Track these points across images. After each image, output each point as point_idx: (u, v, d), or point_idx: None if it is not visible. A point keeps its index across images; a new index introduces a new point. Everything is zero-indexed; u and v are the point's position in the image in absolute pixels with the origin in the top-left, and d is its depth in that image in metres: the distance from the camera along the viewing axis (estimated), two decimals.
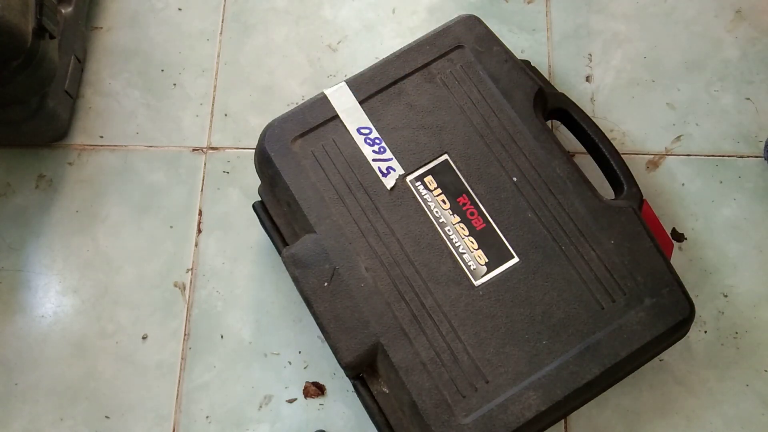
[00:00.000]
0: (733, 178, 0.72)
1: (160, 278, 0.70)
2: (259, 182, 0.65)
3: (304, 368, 0.67)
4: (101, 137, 0.75)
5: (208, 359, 0.67)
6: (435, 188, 0.60)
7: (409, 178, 0.61)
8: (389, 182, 0.60)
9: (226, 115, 0.76)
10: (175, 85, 0.77)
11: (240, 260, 0.70)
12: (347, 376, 0.59)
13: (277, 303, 0.69)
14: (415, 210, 0.60)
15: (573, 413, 0.63)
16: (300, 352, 0.67)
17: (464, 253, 0.58)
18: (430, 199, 0.60)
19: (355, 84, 0.64)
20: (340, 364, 0.56)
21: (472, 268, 0.58)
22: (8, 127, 0.69)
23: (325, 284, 0.57)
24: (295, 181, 0.60)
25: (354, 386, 0.59)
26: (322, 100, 0.63)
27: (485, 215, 0.59)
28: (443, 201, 0.60)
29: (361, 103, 0.63)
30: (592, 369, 0.54)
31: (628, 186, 0.63)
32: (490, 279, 0.58)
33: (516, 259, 0.58)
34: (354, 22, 0.79)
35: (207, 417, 0.65)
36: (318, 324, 0.57)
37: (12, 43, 0.59)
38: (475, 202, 0.60)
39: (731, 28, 0.78)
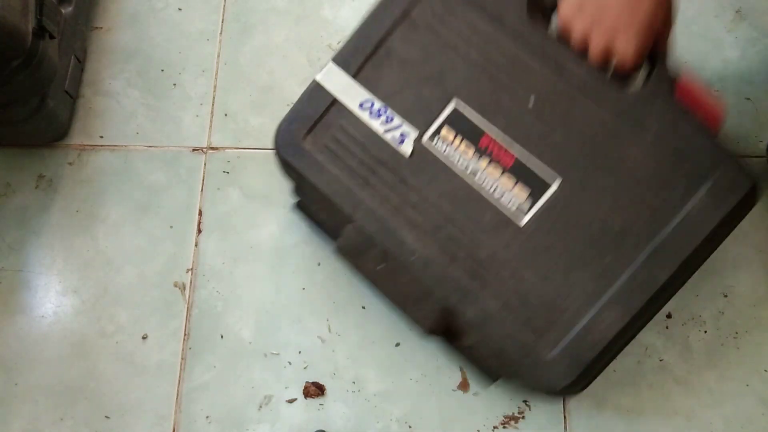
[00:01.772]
0: None
1: (160, 278, 0.70)
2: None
3: (304, 368, 0.67)
4: (101, 137, 0.75)
5: (208, 359, 0.67)
6: (454, 138, 0.58)
7: (424, 138, 0.58)
8: (407, 149, 0.58)
9: (226, 115, 0.76)
10: (175, 85, 0.77)
11: (240, 260, 0.70)
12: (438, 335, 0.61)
13: (277, 303, 0.69)
14: (440, 168, 0.58)
15: (573, 413, 0.63)
16: (300, 352, 0.67)
17: (502, 196, 0.56)
18: (452, 153, 0.58)
19: (342, 60, 0.61)
20: (423, 332, 0.58)
21: (513, 208, 0.56)
22: (8, 127, 0.69)
23: (381, 266, 0.58)
24: (318, 178, 0.60)
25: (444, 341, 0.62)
26: (317, 88, 0.61)
27: (512, 149, 0.57)
28: (465, 149, 0.58)
29: (354, 76, 0.60)
30: (665, 269, 0.53)
31: (656, 65, 0.56)
32: (536, 212, 0.56)
33: (556, 184, 0.55)
34: (354, 22, 0.79)
35: (207, 417, 0.65)
36: (390, 302, 0.59)
37: (12, 43, 0.59)
38: (499, 139, 0.57)
39: (731, 28, 0.78)
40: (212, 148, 0.74)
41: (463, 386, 0.66)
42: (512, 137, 0.57)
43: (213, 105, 0.76)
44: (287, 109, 0.64)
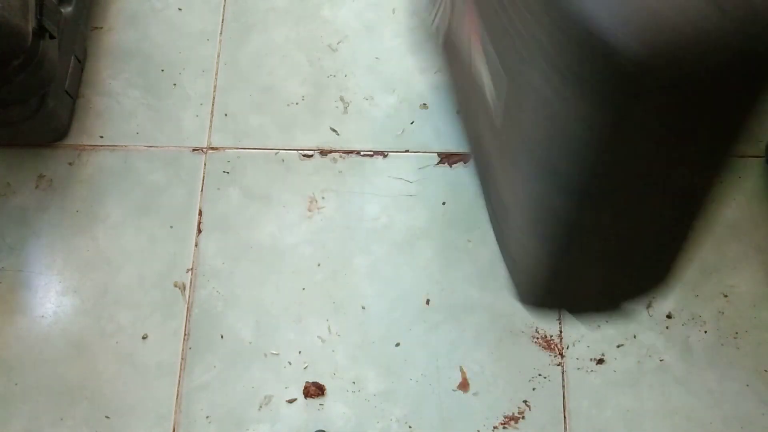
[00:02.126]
0: (733, 178, 0.72)
1: (160, 278, 0.70)
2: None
3: (304, 368, 0.67)
4: (101, 137, 0.75)
5: (208, 359, 0.67)
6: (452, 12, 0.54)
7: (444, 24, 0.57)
8: (439, 39, 0.60)
9: (226, 115, 0.76)
10: (175, 85, 0.77)
11: (240, 260, 0.70)
12: None
13: (277, 303, 0.69)
14: (458, 55, 0.55)
15: (573, 413, 0.63)
16: (300, 352, 0.67)
17: (488, 91, 0.48)
18: (459, 37, 0.54)
19: None
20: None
21: (492, 106, 0.48)
22: (8, 127, 0.69)
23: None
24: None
25: None
26: None
27: (481, 33, 0.46)
28: (464, 27, 0.52)
29: None
30: (561, 192, 0.40)
31: None
32: (502, 113, 0.46)
33: (505, 81, 0.43)
34: (354, 22, 0.79)
35: (207, 417, 0.65)
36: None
37: (12, 43, 0.59)
38: (474, 17, 0.48)
39: None
40: (212, 148, 0.74)
41: (463, 386, 0.66)
42: (480, 17, 0.45)
43: (213, 105, 0.76)
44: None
